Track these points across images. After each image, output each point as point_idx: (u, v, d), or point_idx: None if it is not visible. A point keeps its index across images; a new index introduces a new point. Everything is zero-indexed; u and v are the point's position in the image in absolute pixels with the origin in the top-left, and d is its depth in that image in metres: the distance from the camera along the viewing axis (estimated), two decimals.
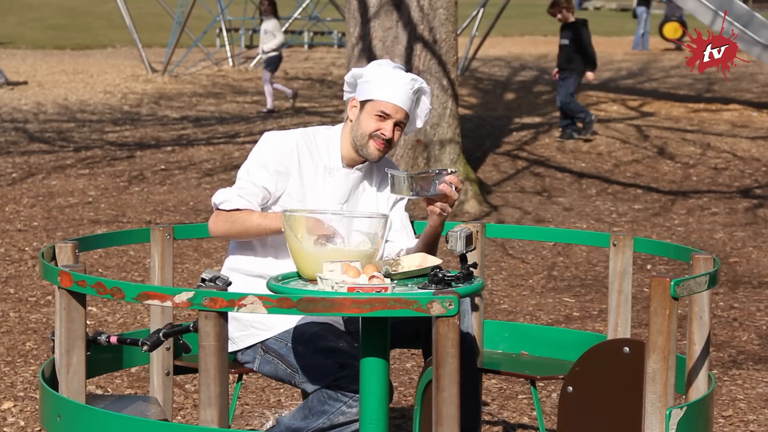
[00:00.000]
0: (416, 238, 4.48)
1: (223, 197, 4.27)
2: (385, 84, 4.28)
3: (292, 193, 4.29)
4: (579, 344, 4.52)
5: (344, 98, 4.44)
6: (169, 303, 3.36)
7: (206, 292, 3.31)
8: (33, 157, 12.37)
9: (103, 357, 4.26)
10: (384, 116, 4.27)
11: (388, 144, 4.29)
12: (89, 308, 6.94)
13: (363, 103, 4.30)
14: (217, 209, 4.27)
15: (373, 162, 4.36)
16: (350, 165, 4.36)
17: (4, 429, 5.33)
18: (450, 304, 3.28)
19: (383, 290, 3.60)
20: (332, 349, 4.14)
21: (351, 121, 4.32)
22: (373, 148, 4.30)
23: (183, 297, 3.34)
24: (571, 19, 14.19)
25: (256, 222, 4.23)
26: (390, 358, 3.78)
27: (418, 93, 4.34)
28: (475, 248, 4.02)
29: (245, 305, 3.30)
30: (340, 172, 4.34)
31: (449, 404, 3.33)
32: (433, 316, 3.30)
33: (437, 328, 3.30)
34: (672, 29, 26.48)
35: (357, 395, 4.03)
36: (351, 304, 3.33)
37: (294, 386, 4.31)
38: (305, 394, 4.51)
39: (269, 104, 16.35)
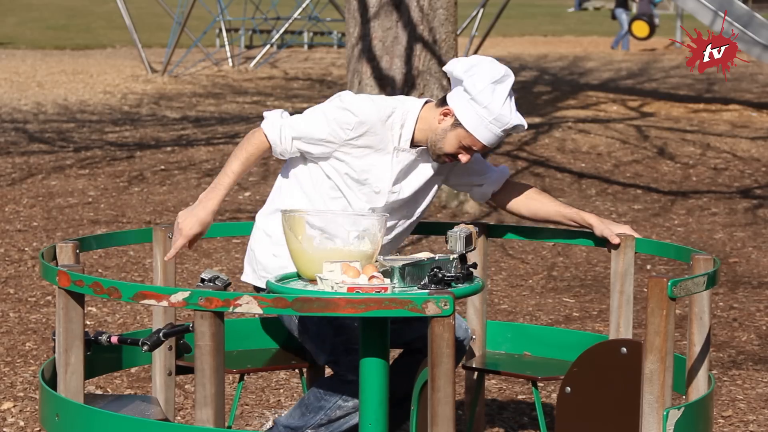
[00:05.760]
0: (491, 177, 4.45)
1: (271, 117, 4.24)
2: (488, 123, 4.16)
3: (354, 165, 4.21)
4: (582, 345, 4.51)
5: (446, 70, 4.23)
6: (165, 303, 3.36)
7: (202, 291, 3.31)
8: (33, 158, 12.37)
9: (104, 357, 4.26)
10: (469, 149, 4.22)
11: None
12: (89, 308, 6.94)
13: (457, 122, 4.19)
14: (262, 124, 4.26)
15: None
16: (413, 145, 4.30)
17: (4, 429, 5.33)
18: (445, 304, 3.28)
19: (383, 290, 3.60)
20: (345, 327, 4.12)
21: (438, 124, 4.22)
22: (442, 161, 4.28)
23: (179, 297, 3.34)
24: None
25: (226, 168, 4.20)
26: (390, 358, 3.78)
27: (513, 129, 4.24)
28: (474, 248, 4.02)
29: (240, 305, 3.30)
30: (403, 153, 4.27)
31: (444, 404, 3.33)
32: (428, 317, 3.29)
33: (432, 329, 3.30)
34: (639, 28, 27.18)
35: (354, 387, 4.02)
36: (346, 304, 3.33)
37: (297, 338, 4.28)
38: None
39: None
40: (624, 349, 3.60)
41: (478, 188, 4.47)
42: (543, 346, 4.68)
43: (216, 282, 3.76)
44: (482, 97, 4.14)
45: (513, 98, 4.23)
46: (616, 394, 3.63)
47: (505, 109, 4.17)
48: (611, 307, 4.45)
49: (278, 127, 4.22)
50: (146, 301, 3.41)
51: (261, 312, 3.33)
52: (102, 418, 3.55)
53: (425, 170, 4.34)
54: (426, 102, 4.30)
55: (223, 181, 4.19)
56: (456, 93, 4.20)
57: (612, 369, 3.63)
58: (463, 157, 4.22)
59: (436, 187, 4.42)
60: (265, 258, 4.29)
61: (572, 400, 3.75)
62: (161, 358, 4.38)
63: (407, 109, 4.26)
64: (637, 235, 4.38)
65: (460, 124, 4.16)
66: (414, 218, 4.41)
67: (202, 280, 3.79)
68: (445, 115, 4.20)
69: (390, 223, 4.31)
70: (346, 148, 4.20)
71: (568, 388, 3.77)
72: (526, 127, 4.25)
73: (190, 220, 4.13)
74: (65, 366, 3.61)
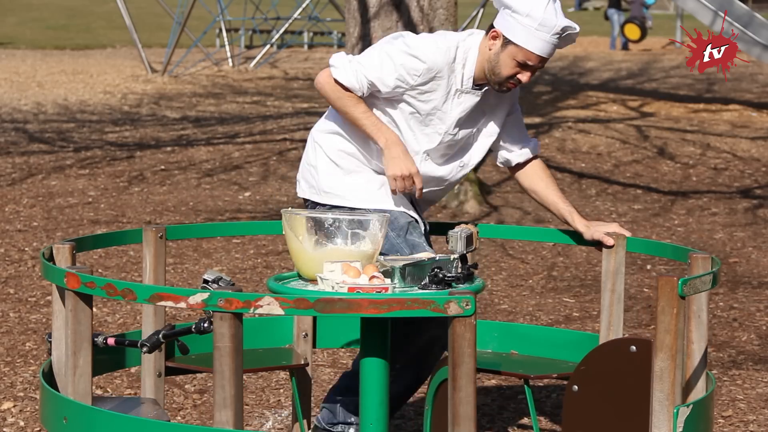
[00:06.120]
0: (522, 149, 4.45)
1: (340, 64, 4.20)
2: (535, 31, 4.07)
3: (419, 107, 4.20)
4: (569, 343, 4.52)
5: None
6: (183, 304, 3.31)
7: (221, 293, 3.27)
8: (33, 158, 12.37)
9: (97, 359, 4.18)
10: (526, 66, 4.14)
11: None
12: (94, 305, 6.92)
13: (506, 41, 4.12)
14: (331, 72, 4.20)
15: None
16: (476, 85, 4.25)
17: (4, 429, 5.32)
18: (467, 304, 3.28)
19: (383, 290, 3.59)
20: (417, 244, 4.17)
21: (489, 50, 4.15)
22: (504, 88, 4.20)
23: (197, 298, 3.29)
24: None
25: (357, 116, 4.18)
26: (389, 358, 3.78)
27: (567, 36, 4.15)
28: (475, 248, 4.01)
29: (261, 306, 3.26)
30: (466, 94, 4.23)
31: (466, 404, 3.32)
32: (449, 316, 3.29)
33: (453, 328, 3.29)
34: (631, 30, 28.31)
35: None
36: (369, 304, 3.31)
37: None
38: None
39: None
40: (633, 347, 3.61)
41: (507, 154, 4.46)
42: (529, 344, 4.66)
43: (220, 283, 3.73)
44: (522, 6, 4.07)
45: (557, 3, 4.12)
46: (624, 392, 3.64)
47: (548, 13, 4.07)
48: (602, 306, 4.44)
49: (353, 74, 4.18)
50: (163, 303, 3.35)
51: (282, 313, 3.28)
52: (113, 420, 3.51)
53: (485, 113, 4.31)
54: (482, 40, 4.23)
55: (373, 119, 4.19)
56: (499, 14, 4.15)
57: (621, 367, 3.64)
58: (523, 76, 4.13)
59: (493, 134, 4.38)
60: (328, 178, 4.32)
61: (579, 399, 3.76)
62: (151, 360, 4.34)
63: (468, 47, 4.21)
64: (627, 234, 4.38)
65: (510, 41, 4.09)
66: (469, 165, 4.39)
67: (206, 281, 3.77)
68: (494, 38, 4.14)
69: (443, 171, 4.32)
70: (413, 92, 4.18)
71: (575, 387, 3.77)
72: (577, 30, 4.14)
73: (405, 160, 4.16)
74: (74, 368, 3.55)
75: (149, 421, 3.59)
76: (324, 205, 4.33)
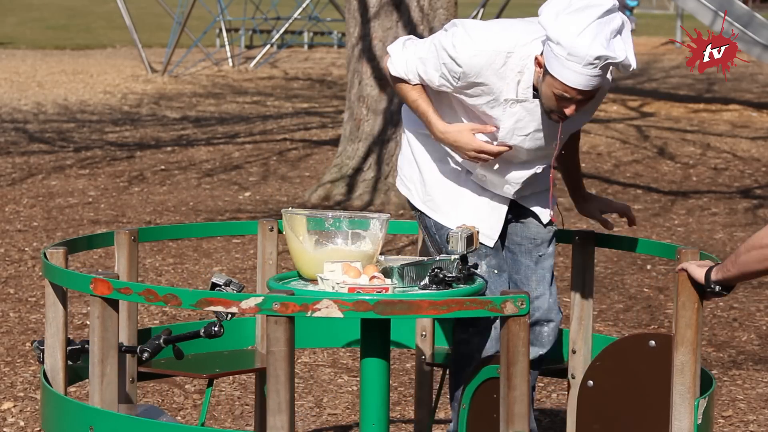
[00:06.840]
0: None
1: (394, 53, 4.02)
2: (565, 60, 3.69)
3: (467, 110, 3.99)
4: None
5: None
6: (234, 309, 3.24)
7: (276, 297, 3.22)
8: (33, 158, 12.37)
9: (72, 366, 3.91)
10: (565, 98, 3.80)
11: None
12: (83, 310, 6.92)
13: (545, 70, 3.77)
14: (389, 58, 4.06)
15: None
16: (536, 93, 3.90)
17: (4, 429, 5.33)
18: (522, 304, 3.29)
19: (384, 291, 3.59)
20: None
21: (538, 77, 3.82)
22: (555, 120, 3.90)
23: (251, 303, 3.23)
24: None
25: (408, 103, 4.05)
26: (390, 358, 3.78)
27: (606, 66, 3.74)
28: (476, 249, 4.01)
29: (319, 309, 3.22)
30: (521, 104, 3.91)
31: (520, 402, 3.33)
32: (504, 316, 3.30)
33: (508, 327, 3.30)
34: None
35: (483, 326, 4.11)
36: (429, 305, 3.31)
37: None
38: None
39: None
40: (652, 342, 3.64)
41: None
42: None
43: (231, 286, 3.70)
44: (552, 31, 3.69)
45: (603, 27, 3.68)
46: (642, 386, 3.66)
47: (581, 40, 3.66)
48: (573, 301, 4.47)
49: (403, 64, 3.98)
50: (211, 308, 3.26)
51: (341, 315, 3.23)
52: (146, 428, 3.44)
53: (551, 124, 3.97)
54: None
55: (423, 107, 4.00)
56: None
57: (638, 362, 3.66)
58: (567, 110, 3.83)
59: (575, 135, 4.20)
60: (407, 166, 4.26)
61: (595, 394, 3.78)
62: (123, 365, 4.26)
63: (528, 53, 3.84)
64: (633, 223, 4.40)
65: (547, 70, 3.77)
66: (543, 168, 4.23)
67: (215, 285, 3.73)
68: (539, 65, 3.82)
69: (509, 175, 4.19)
70: (459, 94, 3.96)
71: (591, 382, 3.79)
72: (619, 59, 3.71)
73: (464, 144, 3.96)
74: (101, 377, 3.47)
75: (185, 427, 3.52)
76: (401, 192, 4.28)
